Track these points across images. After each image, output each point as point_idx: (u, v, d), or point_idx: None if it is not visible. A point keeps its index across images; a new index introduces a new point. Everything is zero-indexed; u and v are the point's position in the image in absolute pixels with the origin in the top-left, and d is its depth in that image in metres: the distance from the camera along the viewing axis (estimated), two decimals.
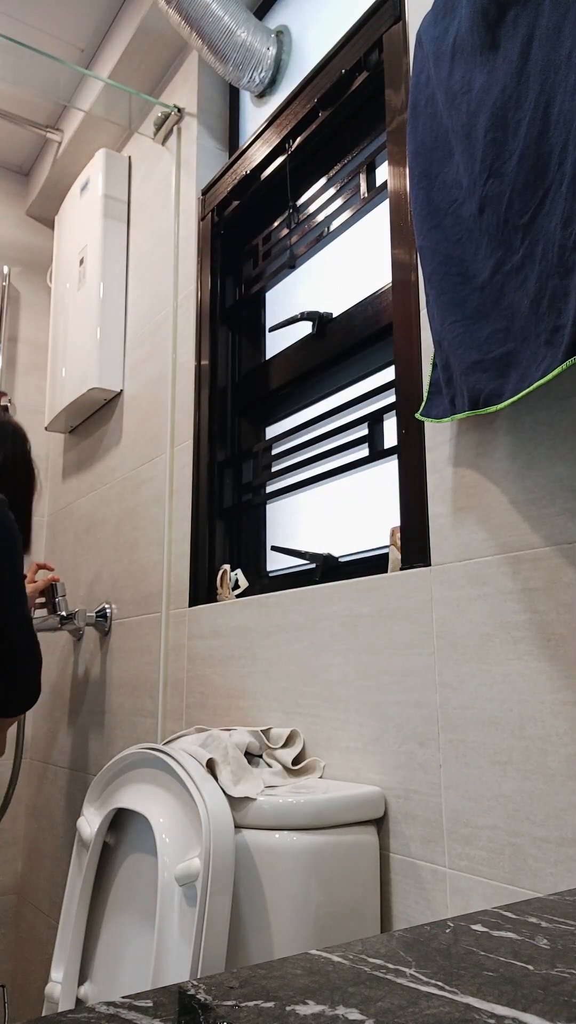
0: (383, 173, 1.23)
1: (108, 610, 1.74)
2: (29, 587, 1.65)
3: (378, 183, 1.22)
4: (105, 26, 1.86)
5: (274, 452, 1.42)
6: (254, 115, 1.65)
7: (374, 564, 1.10)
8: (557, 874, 0.73)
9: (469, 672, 0.84)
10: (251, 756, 1.07)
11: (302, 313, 1.32)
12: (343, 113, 1.28)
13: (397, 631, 0.94)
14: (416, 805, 0.89)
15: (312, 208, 1.35)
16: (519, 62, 0.75)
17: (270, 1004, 0.35)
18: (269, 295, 1.54)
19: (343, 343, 1.24)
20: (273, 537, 1.43)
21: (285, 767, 1.03)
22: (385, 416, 1.16)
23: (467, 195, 0.82)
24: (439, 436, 0.93)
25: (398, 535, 1.00)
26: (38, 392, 2.25)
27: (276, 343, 1.47)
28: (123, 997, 0.36)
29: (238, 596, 1.33)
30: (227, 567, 1.38)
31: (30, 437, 1.29)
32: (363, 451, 1.19)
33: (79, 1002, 1.02)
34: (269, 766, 1.05)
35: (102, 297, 1.84)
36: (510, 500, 0.83)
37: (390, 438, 1.16)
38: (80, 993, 1.02)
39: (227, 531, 1.46)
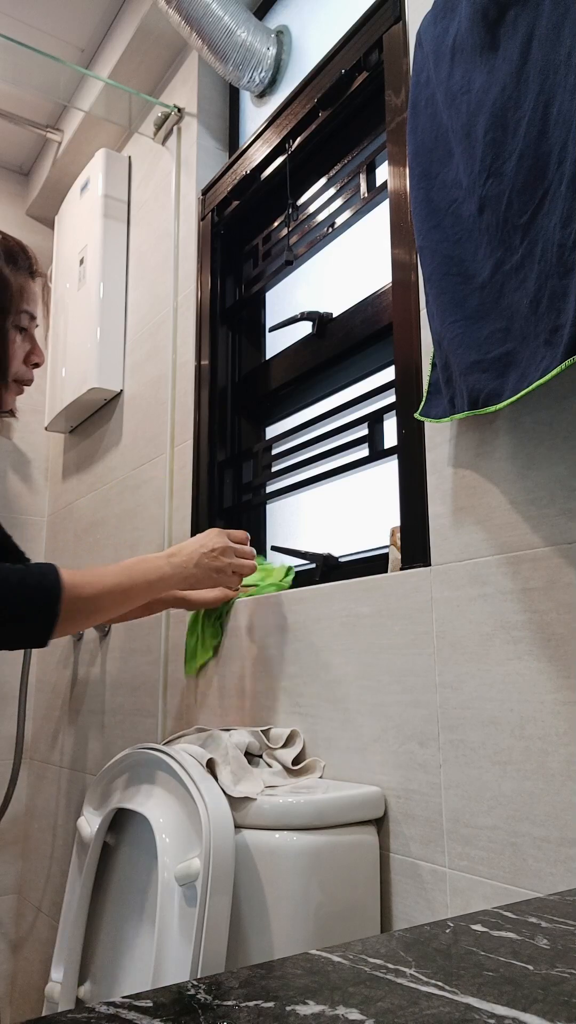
0: (383, 173, 1.23)
1: None
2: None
3: (378, 183, 1.22)
4: (105, 26, 1.86)
5: (274, 452, 1.42)
6: (254, 115, 1.65)
7: (374, 564, 1.10)
8: (557, 874, 0.73)
9: (469, 672, 0.84)
10: (251, 756, 1.07)
11: (302, 313, 1.32)
12: (343, 113, 1.28)
13: (397, 631, 0.94)
14: (416, 805, 0.89)
15: (312, 208, 1.35)
16: (519, 62, 0.75)
17: (270, 1004, 0.35)
18: (269, 295, 1.54)
19: (343, 343, 1.24)
20: (273, 537, 1.43)
21: (285, 767, 1.03)
22: (385, 416, 1.16)
23: (467, 195, 0.82)
24: (439, 436, 0.93)
25: (398, 535, 1.00)
26: (38, 392, 2.25)
27: (276, 343, 1.47)
28: (123, 997, 0.36)
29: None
30: None
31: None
32: (363, 451, 1.19)
33: (79, 1002, 1.02)
34: (269, 766, 1.05)
35: (102, 297, 1.84)
36: (510, 500, 0.83)
37: (390, 438, 1.16)
38: (80, 993, 1.02)
39: None
